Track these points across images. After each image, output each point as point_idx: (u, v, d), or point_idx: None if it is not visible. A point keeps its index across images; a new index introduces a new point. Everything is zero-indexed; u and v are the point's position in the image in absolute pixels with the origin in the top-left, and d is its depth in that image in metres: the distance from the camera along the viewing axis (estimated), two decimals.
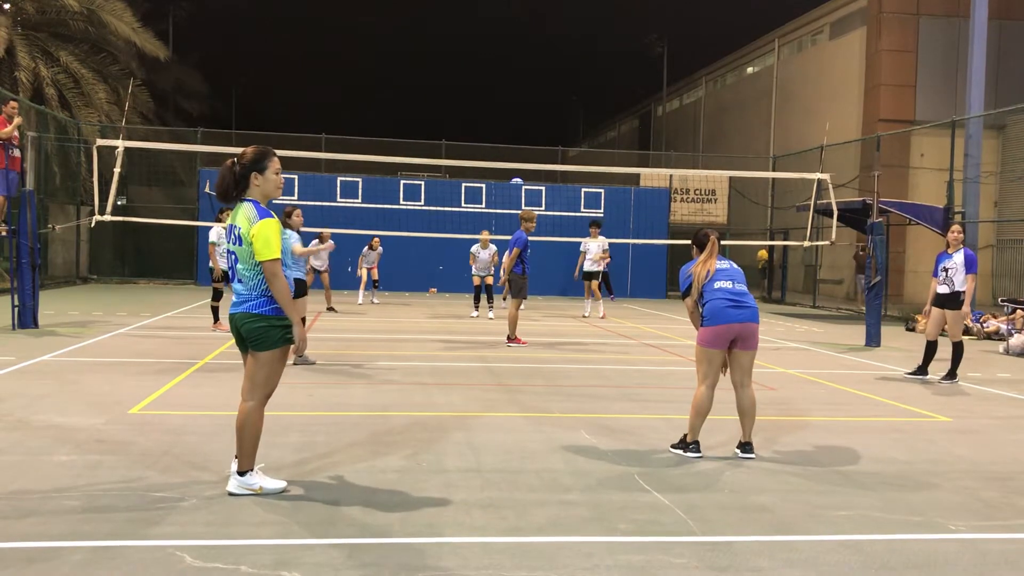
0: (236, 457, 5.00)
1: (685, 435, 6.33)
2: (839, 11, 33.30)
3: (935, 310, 10.54)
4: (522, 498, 5.03)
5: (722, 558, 4.18)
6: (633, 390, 9.12)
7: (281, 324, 4.90)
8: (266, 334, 4.86)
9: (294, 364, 9.67)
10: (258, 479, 4.97)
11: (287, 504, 4.77)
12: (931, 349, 10.60)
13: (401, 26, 70.12)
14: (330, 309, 17.45)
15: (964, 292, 10.26)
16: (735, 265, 6.52)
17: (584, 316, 18.45)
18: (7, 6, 25.13)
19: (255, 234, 4.80)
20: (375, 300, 20.43)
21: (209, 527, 4.37)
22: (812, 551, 4.31)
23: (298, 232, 10.32)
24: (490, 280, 17.91)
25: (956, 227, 10.76)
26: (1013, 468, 6.18)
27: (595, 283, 18.76)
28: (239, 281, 4.97)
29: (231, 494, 4.89)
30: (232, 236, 4.93)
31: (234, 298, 5.04)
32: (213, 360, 10.17)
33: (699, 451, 6.23)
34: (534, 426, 7.05)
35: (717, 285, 6.29)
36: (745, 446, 6.29)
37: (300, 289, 9.96)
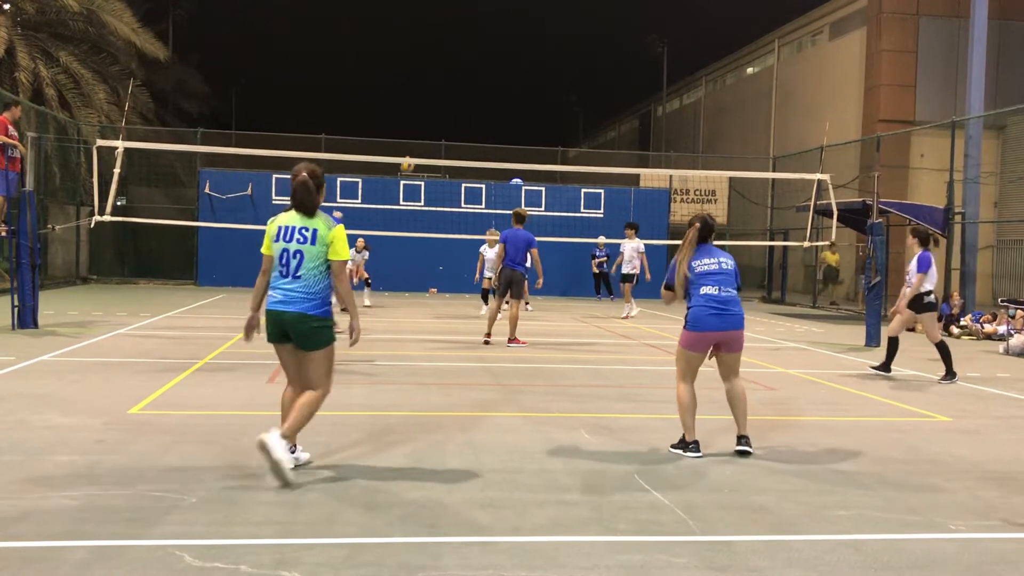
0: (283, 431, 5.18)
1: (684, 436, 6.29)
2: (839, 11, 33.31)
3: (907, 311, 10.71)
4: (522, 498, 5.03)
5: (722, 558, 4.18)
6: (633, 390, 9.12)
7: (329, 325, 5.41)
8: (321, 335, 5.33)
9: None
10: (299, 454, 5.50)
11: (287, 504, 4.78)
12: (893, 345, 10.72)
13: (401, 26, 70.13)
14: (344, 310, 17.37)
15: (924, 293, 10.44)
16: (729, 265, 6.30)
17: (624, 317, 18.33)
18: (7, 6, 25.13)
19: (335, 236, 5.28)
20: (367, 302, 19.93)
21: (209, 527, 4.37)
22: (812, 551, 4.31)
23: None
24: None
25: (909, 237, 10.94)
26: (1013, 468, 6.18)
27: (627, 286, 18.88)
28: (296, 278, 5.26)
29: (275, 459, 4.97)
30: (301, 237, 5.26)
31: (280, 295, 5.30)
32: (213, 360, 10.16)
33: (699, 450, 6.18)
34: (534, 426, 7.04)
35: (703, 291, 6.15)
36: (741, 439, 6.23)
37: None
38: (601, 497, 5.10)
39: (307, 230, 5.26)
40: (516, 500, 4.99)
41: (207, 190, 25.04)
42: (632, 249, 18.84)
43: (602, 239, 22.97)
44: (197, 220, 24.55)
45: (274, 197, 25.11)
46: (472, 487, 5.21)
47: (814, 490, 5.42)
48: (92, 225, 14.73)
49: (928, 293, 10.42)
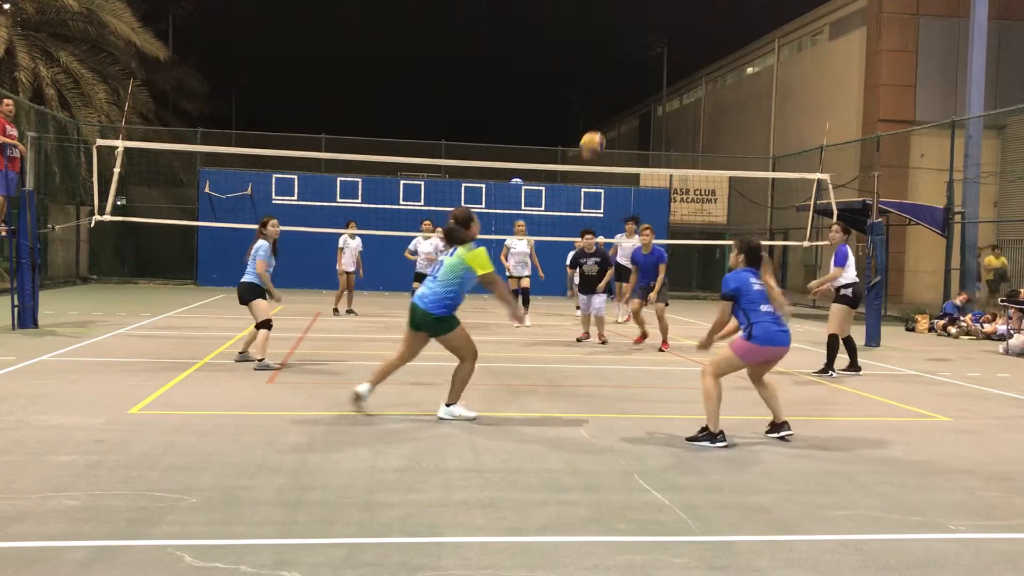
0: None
1: (705, 427, 6.51)
2: (839, 11, 33.29)
3: (834, 305, 10.85)
4: (522, 498, 5.03)
5: (722, 558, 4.18)
6: (633, 390, 9.12)
7: None
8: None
9: (255, 369, 9.48)
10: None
11: (287, 504, 4.78)
12: (847, 344, 10.79)
13: (401, 26, 70.13)
14: (349, 311, 17.30)
15: (841, 286, 10.61)
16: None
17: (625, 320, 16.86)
18: (7, 6, 25.13)
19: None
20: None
21: (209, 527, 4.37)
22: (812, 551, 4.31)
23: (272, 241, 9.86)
24: (527, 283, 15.87)
25: (835, 225, 11.10)
26: (1013, 468, 6.18)
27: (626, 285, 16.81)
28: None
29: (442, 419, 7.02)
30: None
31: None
32: (213, 360, 10.16)
33: (725, 440, 6.46)
34: (534, 426, 7.05)
35: (764, 308, 6.58)
36: (780, 426, 6.69)
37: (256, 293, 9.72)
38: (601, 497, 5.10)
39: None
40: (516, 500, 4.99)
41: (207, 190, 25.03)
42: (631, 247, 17.55)
43: (601, 239, 22.88)
44: (197, 220, 24.54)
45: (274, 197, 25.12)
46: (472, 487, 5.21)
47: (814, 490, 5.42)
48: (92, 225, 14.72)
49: (847, 286, 10.60)
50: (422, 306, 7.06)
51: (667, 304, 12.93)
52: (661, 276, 12.74)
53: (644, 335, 13.11)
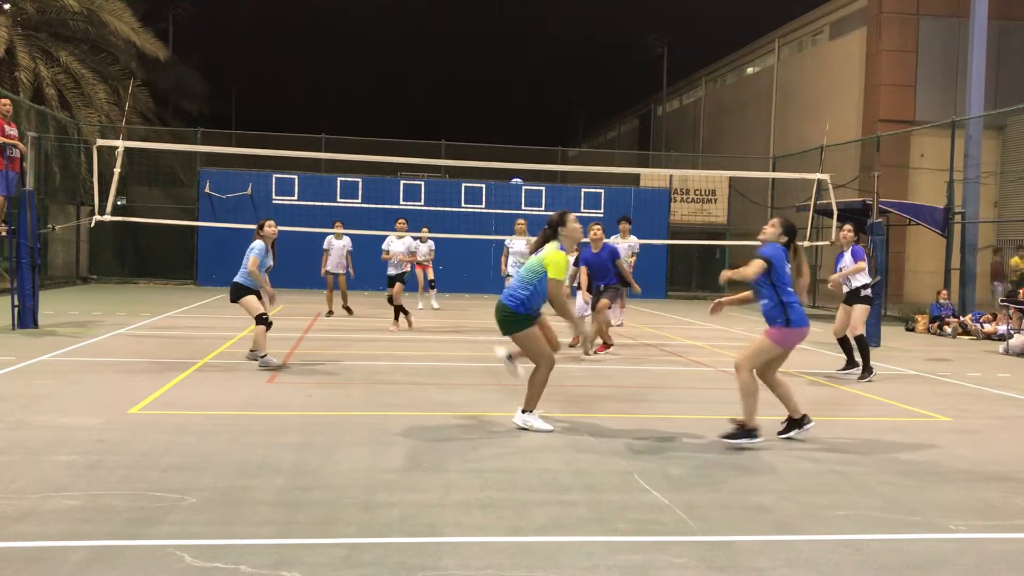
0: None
1: (742, 423, 6.47)
2: (839, 11, 33.30)
3: (842, 307, 10.82)
4: (522, 498, 5.03)
5: (722, 558, 4.18)
6: (633, 390, 9.12)
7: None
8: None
9: (259, 368, 9.52)
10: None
11: (287, 504, 4.77)
12: (844, 344, 10.76)
13: (401, 26, 70.22)
14: (346, 308, 17.26)
15: (861, 287, 10.57)
16: None
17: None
18: (7, 6, 25.14)
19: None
20: (435, 304, 19.58)
21: (209, 527, 4.37)
22: (812, 551, 4.31)
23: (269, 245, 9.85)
24: None
25: (847, 226, 11.10)
26: (1013, 468, 6.18)
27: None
28: None
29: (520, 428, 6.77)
30: None
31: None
32: (213, 360, 10.16)
33: (760, 435, 6.48)
34: None
35: (791, 290, 6.55)
36: (799, 421, 6.70)
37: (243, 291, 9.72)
38: (601, 497, 5.10)
39: None
40: (516, 500, 4.99)
41: (207, 190, 25.03)
42: (627, 249, 16.35)
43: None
44: (197, 220, 24.54)
45: (274, 197, 25.11)
46: (472, 487, 5.21)
47: (814, 490, 5.42)
48: (92, 225, 14.71)
49: (866, 286, 10.62)
50: (501, 296, 6.82)
51: (612, 304, 12.05)
52: (628, 269, 12.15)
53: (607, 343, 12.04)
